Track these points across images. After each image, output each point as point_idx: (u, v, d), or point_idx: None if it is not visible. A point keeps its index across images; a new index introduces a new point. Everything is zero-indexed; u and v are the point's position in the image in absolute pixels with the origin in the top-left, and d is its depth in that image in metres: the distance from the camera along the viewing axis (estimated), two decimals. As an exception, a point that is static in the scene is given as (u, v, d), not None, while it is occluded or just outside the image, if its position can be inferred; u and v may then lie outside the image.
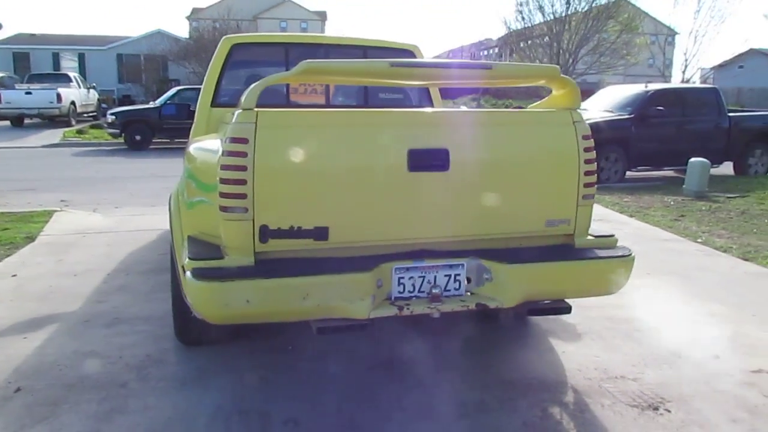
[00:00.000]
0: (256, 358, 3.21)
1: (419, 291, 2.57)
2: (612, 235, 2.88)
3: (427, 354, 3.22)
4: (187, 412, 2.67)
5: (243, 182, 2.36)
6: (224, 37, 4.35)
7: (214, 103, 4.25)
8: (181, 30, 46.41)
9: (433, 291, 2.55)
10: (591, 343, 3.44)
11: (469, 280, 2.62)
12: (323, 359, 3.18)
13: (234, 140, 2.37)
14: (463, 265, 2.60)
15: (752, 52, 36.82)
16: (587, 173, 2.74)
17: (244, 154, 2.35)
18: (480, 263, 2.60)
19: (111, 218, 6.82)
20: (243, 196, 2.37)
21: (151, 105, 16.35)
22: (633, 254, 2.73)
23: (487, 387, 2.90)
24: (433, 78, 2.85)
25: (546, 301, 2.74)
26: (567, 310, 2.71)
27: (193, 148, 2.94)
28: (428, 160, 2.52)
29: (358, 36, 4.65)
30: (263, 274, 2.34)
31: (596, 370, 3.11)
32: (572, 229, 2.79)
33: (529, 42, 26.85)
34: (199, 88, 4.44)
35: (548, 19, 25.21)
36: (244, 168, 2.35)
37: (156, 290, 4.29)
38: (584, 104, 12.99)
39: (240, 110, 2.41)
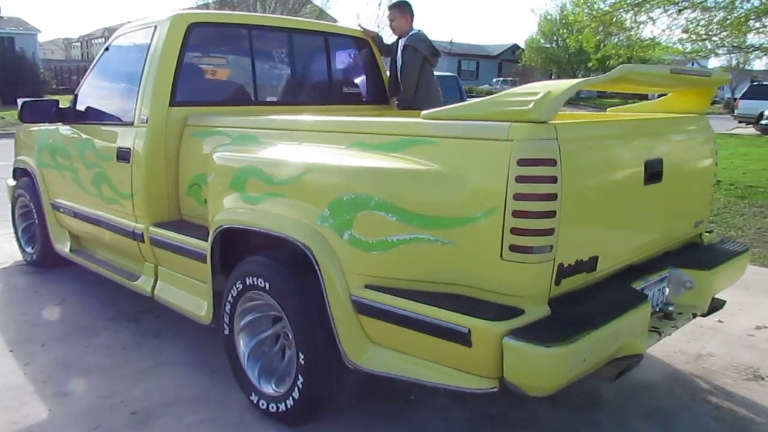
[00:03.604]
0: (395, 420, 2.62)
1: (645, 310, 2.43)
2: (712, 231, 3.12)
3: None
4: None
5: (552, 215, 1.89)
6: (176, 14, 3.31)
7: (174, 102, 3.24)
8: None
9: (668, 308, 2.44)
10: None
11: (666, 290, 2.57)
12: (457, 407, 2.75)
13: (535, 162, 1.87)
14: (667, 276, 2.54)
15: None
16: (715, 174, 2.91)
17: (553, 180, 1.88)
18: (680, 272, 2.57)
19: None
20: (550, 232, 1.90)
21: None
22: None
23: (641, 394, 2.89)
24: (686, 84, 2.66)
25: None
26: (723, 304, 2.85)
27: (376, 169, 2.15)
28: (654, 171, 2.37)
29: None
30: (590, 324, 1.92)
31: (677, 353, 3.33)
32: (703, 228, 2.93)
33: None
34: None
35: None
36: (554, 197, 1.89)
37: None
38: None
39: (527, 121, 1.90)
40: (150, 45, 3.32)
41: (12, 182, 4.85)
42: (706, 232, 3.05)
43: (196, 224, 3.16)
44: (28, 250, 4.70)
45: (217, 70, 3.73)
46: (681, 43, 11.88)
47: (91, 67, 3.94)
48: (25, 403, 2.71)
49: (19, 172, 4.69)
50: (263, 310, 2.65)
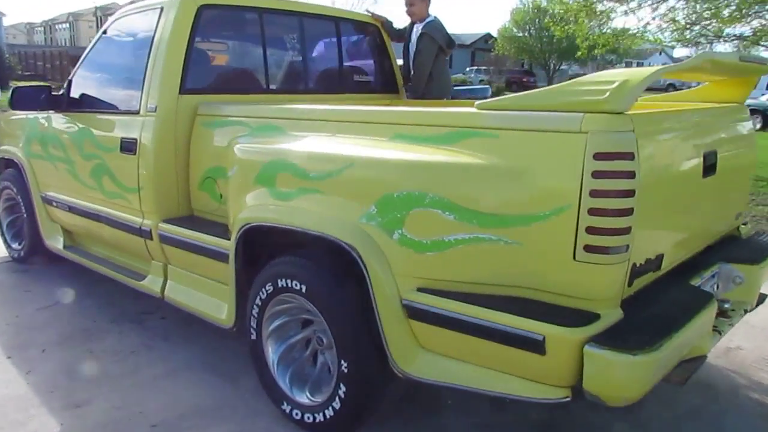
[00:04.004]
0: (432, 426, 2.49)
1: (699, 308, 2.33)
2: (746, 223, 3.04)
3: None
4: None
5: (630, 212, 1.76)
6: (184, -5, 3.08)
7: (184, 89, 3.03)
8: None
9: (724, 306, 2.35)
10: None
11: (716, 286, 2.48)
12: (497, 412, 2.63)
13: (612, 156, 1.74)
14: (717, 272, 2.45)
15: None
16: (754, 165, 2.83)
17: (631, 175, 1.75)
18: (730, 267, 2.47)
19: None
20: (627, 231, 1.77)
21: None
22: None
23: (682, 393, 2.80)
24: (747, 73, 2.53)
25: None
26: (765, 298, 2.78)
27: (431, 164, 1.97)
28: (711, 163, 2.26)
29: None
30: (670, 328, 1.81)
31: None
32: (741, 220, 2.85)
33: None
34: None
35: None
36: (631, 193, 1.76)
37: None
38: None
39: (602, 112, 1.76)
40: (156, 28, 3.10)
41: (-6, 174, 4.55)
42: (742, 224, 2.98)
43: (209, 220, 2.97)
44: (15, 246, 4.43)
45: (227, 55, 3.53)
46: (661, 31, 11.96)
47: (86, 51, 3.68)
48: (33, 417, 2.50)
49: (3, 163, 4.41)
50: (293, 313, 2.48)
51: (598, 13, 10.88)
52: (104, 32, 3.59)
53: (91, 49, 3.66)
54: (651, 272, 2.01)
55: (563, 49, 43.51)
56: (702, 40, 11.07)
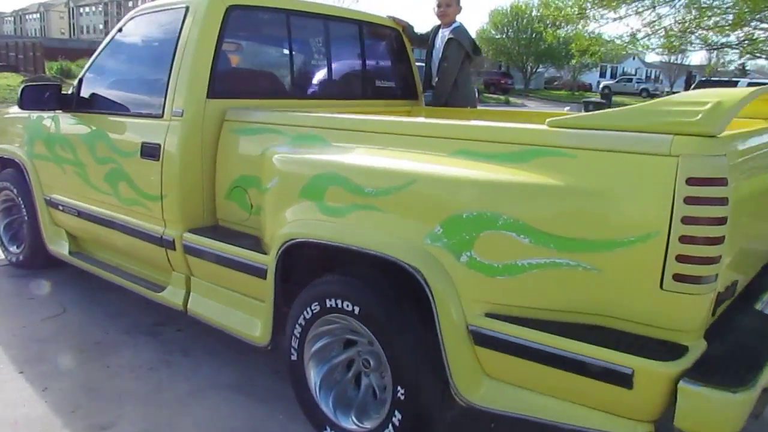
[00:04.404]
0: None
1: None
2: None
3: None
4: None
5: (721, 240, 1.70)
6: (213, -5, 2.93)
7: (212, 94, 2.89)
8: None
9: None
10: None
11: (766, 309, 2.44)
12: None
13: (706, 182, 1.66)
14: (770, 295, 2.41)
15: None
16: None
17: (724, 202, 1.68)
18: (781, 290, 2.44)
19: None
20: (717, 260, 1.71)
21: None
22: None
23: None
24: None
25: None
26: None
27: (505, 184, 1.87)
28: (775, 185, 2.22)
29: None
30: (759, 360, 1.75)
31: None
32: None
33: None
34: None
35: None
36: (724, 221, 1.69)
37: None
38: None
39: (694, 135, 1.68)
40: (181, 29, 2.95)
41: (-11, 173, 4.33)
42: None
43: (237, 231, 2.84)
44: (12, 249, 4.22)
45: (254, 58, 3.39)
46: (647, 38, 12.11)
47: (99, 49, 3.50)
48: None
49: (1, 163, 4.19)
50: (336, 333, 2.37)
51: (590, 17, 10.96)
52: (119, 30, 3.42)
53: (104, 47, 3.48)
54: (728, 299, 1.95)
55: (540, 52, 43.97)
56: (689, 48, 11.21)
